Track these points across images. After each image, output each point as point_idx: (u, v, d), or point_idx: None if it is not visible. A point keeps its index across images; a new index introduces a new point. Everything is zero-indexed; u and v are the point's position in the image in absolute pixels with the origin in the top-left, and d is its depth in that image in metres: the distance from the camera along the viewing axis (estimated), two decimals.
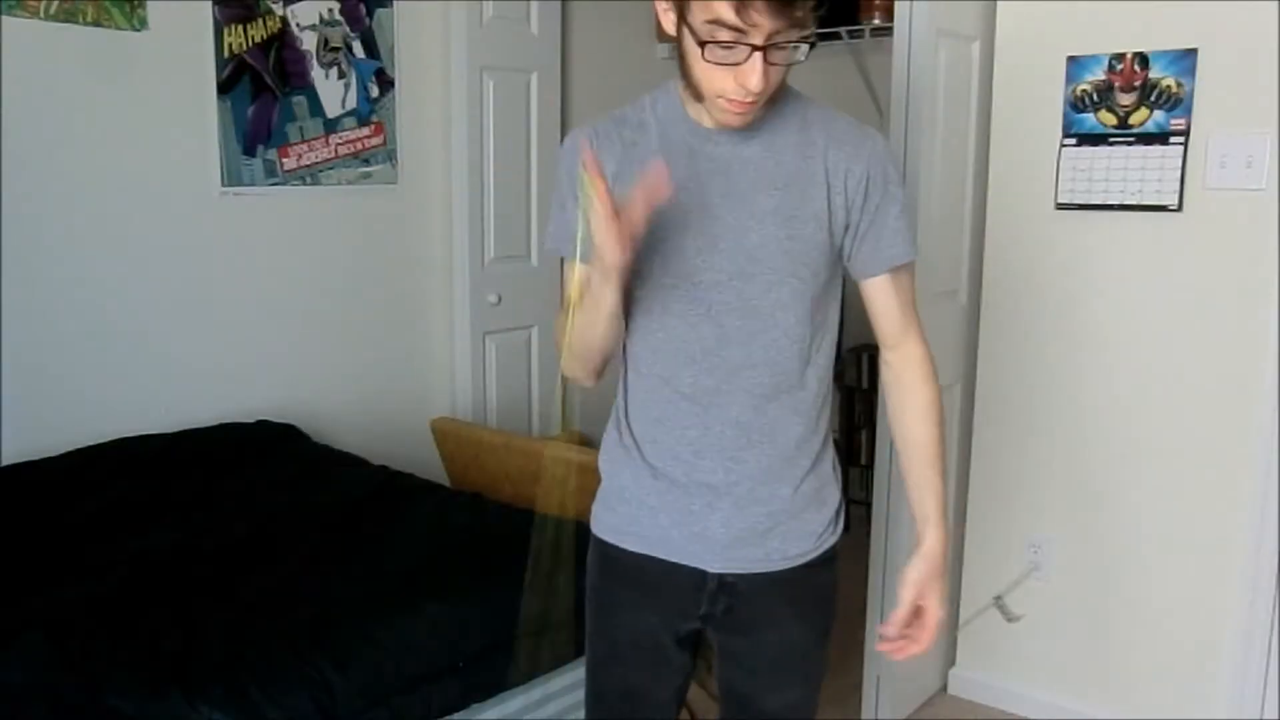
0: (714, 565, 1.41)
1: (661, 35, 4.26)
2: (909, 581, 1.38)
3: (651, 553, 1.43)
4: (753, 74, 1.19)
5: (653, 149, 1.34)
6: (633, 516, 1.43)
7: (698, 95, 1.27)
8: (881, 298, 1.42)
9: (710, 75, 1.22)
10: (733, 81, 1.21)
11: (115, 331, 2.72)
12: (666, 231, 1.32)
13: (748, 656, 1.48)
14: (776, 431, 1.38)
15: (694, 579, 1.42)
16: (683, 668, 1.51)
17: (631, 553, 1.44)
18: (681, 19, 1.22)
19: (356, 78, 3.21)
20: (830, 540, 1.46)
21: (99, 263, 2.69)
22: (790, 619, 1.46)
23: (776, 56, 1.20)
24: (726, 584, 1.42)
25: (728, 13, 1.15)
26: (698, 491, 1.39)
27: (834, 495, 1.47)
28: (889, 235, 1.37)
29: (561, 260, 1.42)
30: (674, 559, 1.42)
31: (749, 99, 1.22)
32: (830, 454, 1.47)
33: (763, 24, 1.15)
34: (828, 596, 1.50)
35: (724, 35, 1.17)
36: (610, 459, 1.47)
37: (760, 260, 1.33)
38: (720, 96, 1.23)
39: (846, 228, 1.36)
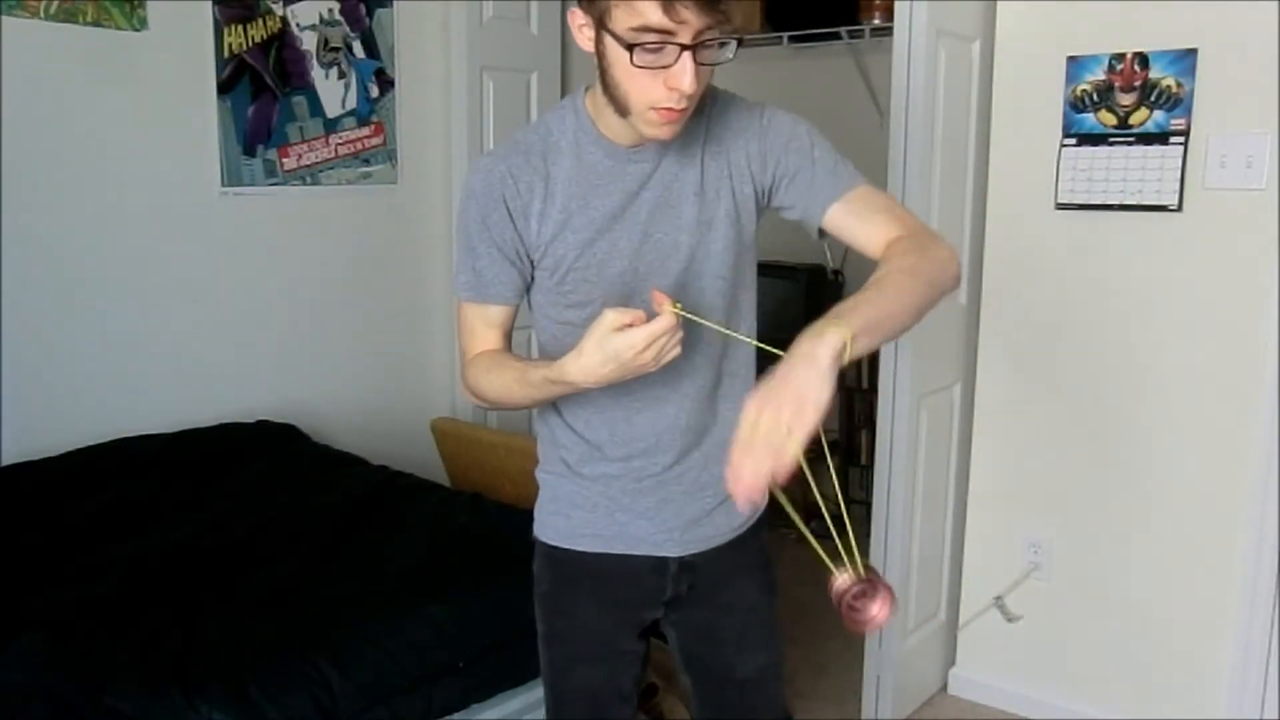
0: (674, 550, 1.45)
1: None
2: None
3: (609, 550, 1.45)
4: (684, 75, 1.14)
5: (571, 175, 1.32)
6: (585, 519, 1.45)
7: (624, 110, 1.22)
8: (849, 218, 1.33)
9: (639, 85, 1.17)
10: (662, 88, 1.16)
11: (115, 331, 2.72)
12: (607, 256, 1.33)
13: (713, 626, 1.51)
14: (716, 422, 1.42)
15: (656, 566, 1.45)
16: (640, 657, 1.54)
17: (586, 554, 1.46)
18: (602, 28, 1.17)
19: (356, 78, 3.21)
20: (762, 505, 1.51)
21: (99, 263, 2.69)
22: (742, 578, 1.52)
23: (705, 56, 1.16)
24: (687, 564, 1.46)
25: (655, 14, 1.11)
26: (650, 489, 1.42)
27: None
28: (822, 174, 1.34)
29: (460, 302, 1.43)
30: (633, 551, 1.45)
31: (681, 105, 1.18)
32: None
33: (691, 21, 1.12)
34: (766, 557, 1.56)
35: (651, 38, 1.13)
36: (554, 471, 1.48)
37: (690, 270, 1.35)
38: (651, 108, 1.19)
39: (765, 204, 1.37)
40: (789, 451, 1.02)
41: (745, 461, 1.03)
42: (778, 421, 1.02)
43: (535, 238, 1.33)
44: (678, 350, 1.15)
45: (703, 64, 1.16)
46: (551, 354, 1.38)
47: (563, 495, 1.47)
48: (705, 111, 1.34)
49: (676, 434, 1.40)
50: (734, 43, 1.17)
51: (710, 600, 1.49)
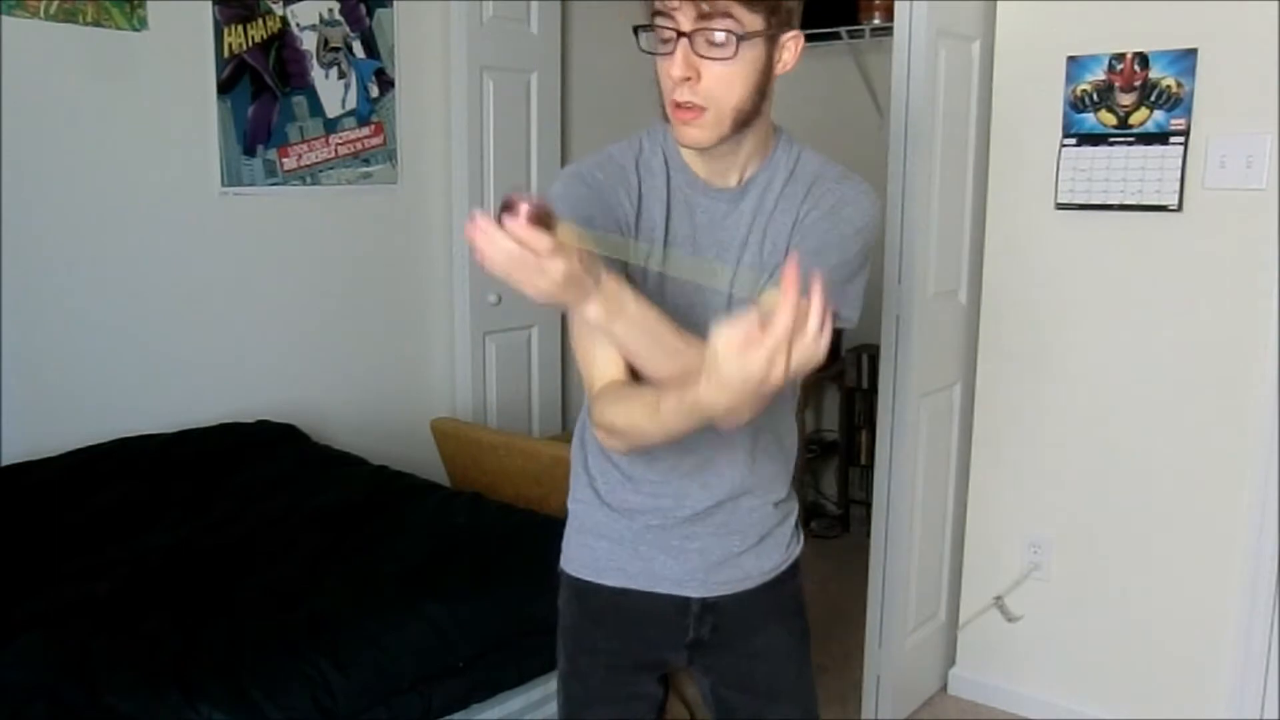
0: (696, 591, 1.42)
1: None
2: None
3: (633, 586, 1.42)
4: (674, 62, 1.15)
5: (664, 196, 1.31)
6: (610, 552, 1.42)
7: (664, 112, 1.24)
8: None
9: (662, 79, 1.20)
10: (670, 80, 1.18)
11: (115, 331, 2.72)
12: (666, 283, 1.30)
13: (742, 673, 1.47)
14: (754, 473, 1.40)
15: (678, 606, 1.42)
16: (658, 702, 1.51)
17: (611, 588, 1.43)
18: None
19: (356, 78, 3.21)
20: (796, 551, 1.49)
21: (99, 263, 2.69)
22: (772, 624, 1.47)
23: (704, 48, 1.16)
24: (710, 605, 1.43)
25: None
26: (675, 526, 1.40)
27: (794, 508, 1.50)
28: (821, 261, 1.24)
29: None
30: (656, 589, 1.42)
31: (684, 98, 1.18)
32: (790, 472, 1.48)
33: (684, 8, 1.14)
34: (800, 602, 1.52)
35: (658, 21, 1.16)
36: (583, 500, 1.46)
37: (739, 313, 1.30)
38: (672, 103, 1.20)
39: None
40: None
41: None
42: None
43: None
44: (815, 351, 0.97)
45: (703, 56, 1.16)
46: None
47: (589, 525, 1.44)
48: (790, 166, 1.32)
49: (712, 484, 1.38)
50: (733, 40, 1.16)
51: (737, 646, 1.46)
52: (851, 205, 1.30)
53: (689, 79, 1.17)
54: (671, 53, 1.16)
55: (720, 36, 1.15)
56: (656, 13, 1.16)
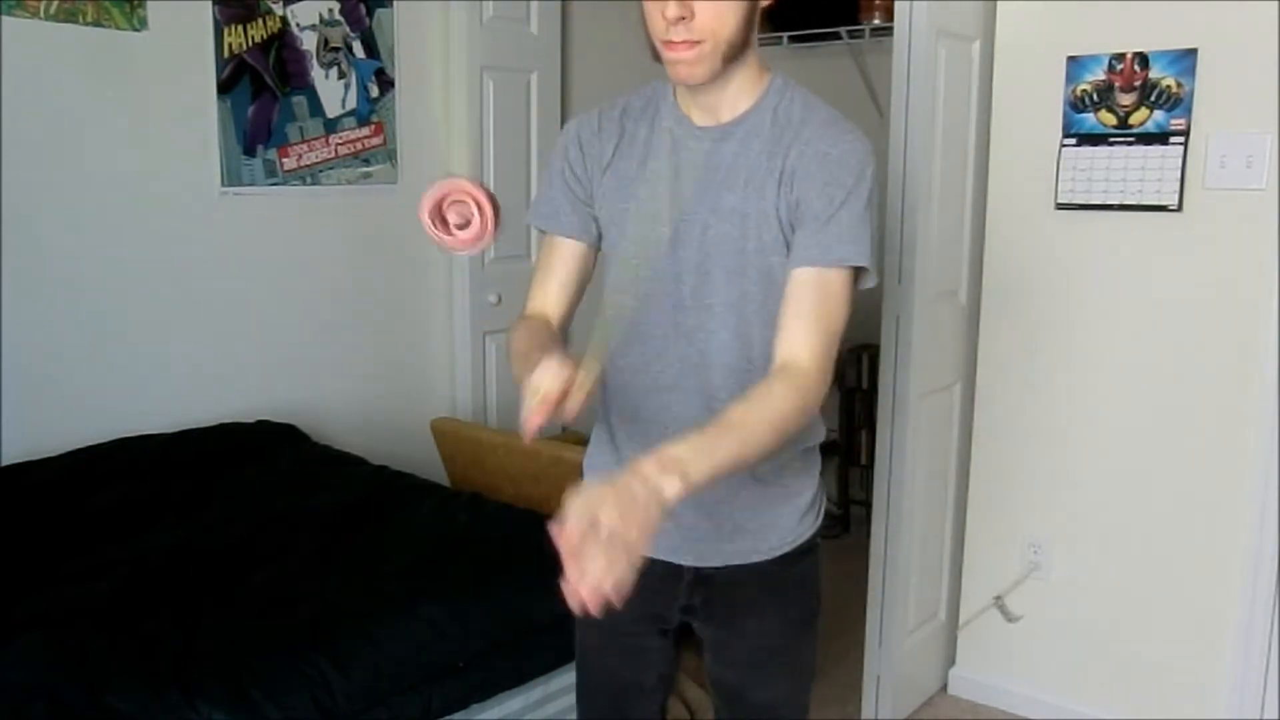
0: (688, 559, 1.44)
1: None
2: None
3: None
4: (669, 4, 1.20)
5: (646, 136, 1.38)
6: None
7: (653, 52, 1.28)
8: (790, 297, 1.28)
9: (651, 18, 1.24)
10: (662, 19, 1.22)
11: (115, 331, 2.72)
12: (645, 220, 1.34)
13: (729, 648, 1.50)
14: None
15: (671, 571, 1.44)
16: (666, 657, 1.53)
17: None
18: None
19: (356, 78, 3.21)
20: (806, 533, 1.47)
21: (99, 263, 2.68)
22: (769, 608, 1.47)
23: None
24: (704, 576, 1.45)
25: None
26: None
27: (807, 486, 1.47)
28: (827, 236, 1.27)
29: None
30: (653, 554, 1.41)
31: (680, 37, 1.22)
32: (799, 446, 1.44)
33: None
34: (807, 586, 1.50)
35: None
36: (592, 461, 1.51)
37: (715, 258, 1.33)
38: (662, 42, 1.24)
39: (794, 228, 1.32)
40: (628, 564, 1.00)
41: (596, 557, 0.99)
42: (624, 531, 1.00)
43: (598, 187, 1.40)
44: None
45: None
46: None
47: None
48: (782, 107, 1.33)
49: (686, 426, 1.38)
50: None
51: (725, 619, 1.47)
52: (856, 169, 1.28)
53: (684, 18, 1.21)
54: None
55: None
56: None
